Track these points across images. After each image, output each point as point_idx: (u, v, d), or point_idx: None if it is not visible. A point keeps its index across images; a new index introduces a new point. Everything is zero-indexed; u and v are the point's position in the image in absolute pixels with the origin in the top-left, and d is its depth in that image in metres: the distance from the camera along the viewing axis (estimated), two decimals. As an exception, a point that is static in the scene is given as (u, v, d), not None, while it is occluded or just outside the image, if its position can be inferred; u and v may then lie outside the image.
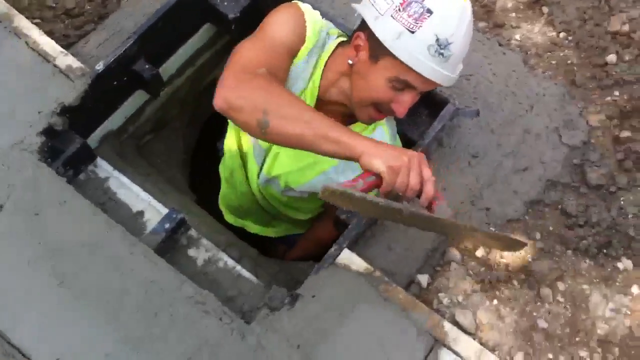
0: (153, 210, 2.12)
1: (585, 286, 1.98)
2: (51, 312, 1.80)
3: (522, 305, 1.93)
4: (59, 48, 2.16)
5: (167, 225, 2.00)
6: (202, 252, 2.08)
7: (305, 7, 1.96)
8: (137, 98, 2.37)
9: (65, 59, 2.14)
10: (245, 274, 2.06)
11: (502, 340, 1.86)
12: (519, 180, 2.13)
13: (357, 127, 2.08)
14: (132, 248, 1.89)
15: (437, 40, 1.72)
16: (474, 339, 1.84)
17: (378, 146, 1.63)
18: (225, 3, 2.32)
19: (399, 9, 1.72)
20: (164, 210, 2.11)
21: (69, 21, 2.33)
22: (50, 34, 2.24)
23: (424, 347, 1.80)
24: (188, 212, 2.24)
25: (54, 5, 2.35)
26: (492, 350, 1.85)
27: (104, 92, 2.16)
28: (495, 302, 1.92)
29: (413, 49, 1.73)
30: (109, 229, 1.91)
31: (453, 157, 2.14)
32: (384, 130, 2.10)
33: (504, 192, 2.11)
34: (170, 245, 2.01)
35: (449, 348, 1.80)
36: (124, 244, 1.89)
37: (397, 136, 2.16)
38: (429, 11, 1.71)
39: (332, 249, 1.91)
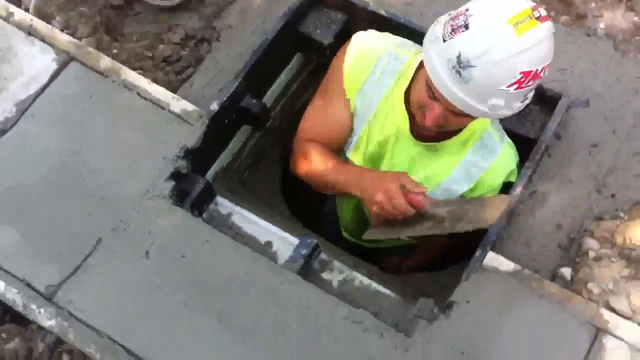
0: (280, 240, 2.14)
1: None
2: (219, 350, 1.82)
3: (672, 284, 1.93)
4: (170, 94, 2.22)
5: (303, 252, 2.02)
6: (335, 274, 2.10)
7: (358, 42, 2.07)
8: (242, 134, 2.43)
9: (179, 104, 2.19)
10: (382, 289, 2.08)
11: (662, 321, 1.86)
12: (638, 163, 2.14)
13: (456, 139, 2.06)
14: (280, 277, 1.92)
15: (459, 56, 1.65)
16: (634, 323, 1.85)
17: (363, 192, 2.03)
18: (318, 31, 2.38)
19: (451, 17, 1.71)
20: (291, 239, 2.14)
21: (169, 68, 2.37)
22: (154, 81, 2.28)
23: (587, 336, 1.81)
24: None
25: (151, 55, 2.39)
26: (655, 332, 1.85)
27: (218, 131, 2.21)
28: (645, 284, 1.93)
29: (436, 56, 1.71)
30: (254, 261, 1.94)
31: (573, 148, 2.15)
32: (491, 133, 2.08)
33: (625, 176, 2.12)
34: (306, 270, 2.03)
35: (613, 335, 1.81)
36: (272, 274, 1.92)
37: (505, 134, 2.12)
38: (466, 27, 1.65)
39: (477, 253, 1.92)
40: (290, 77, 2.55)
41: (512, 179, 2.09)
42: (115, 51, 2.39)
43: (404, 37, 2.23)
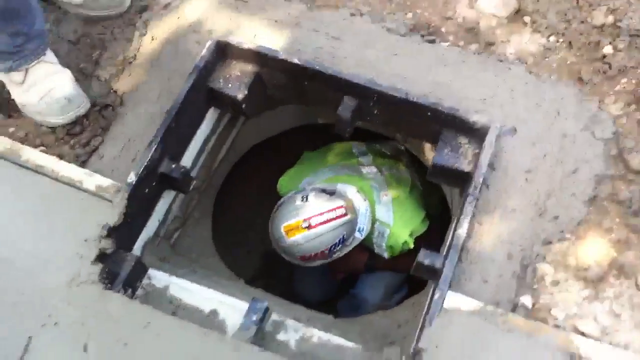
0: (225, 306, 2.03)
1: (676, 264, 1.99)
2: None
3: (629, 299, 1.91)
4: (81, 170, 2.04)
5: (254, 317, 1.90)
6: (291, 333, 2.00)
7: None
8: (166, 199, 2.26)
9: (93, 180, 2.01)
10: (342, 342, 1.99)
11: (631, 337, 1.83)
12: (572, 183, 2.14)
13: None
14: (235, 352, 1.75)
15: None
16: (606, 343, 1.82)
17: None
18: (230, 85, 2.24)
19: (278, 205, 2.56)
20: (237, 303, 2.03)
21: (74, 141, 2.18)
22: (60, 158, 2.09)
23: (563, 366, 1.75)
24: (249, 295, 2.15)
25: (53, 128, 2.20)
26: (625, 349, 1.81)
27: (139, 202, 2.03)
28: (607, 303, 1.90)
29: None
30: (203, 338, 1.78)
31: (508, 177, 2.12)
32: (380, 223, 2.67)
33: (563, 197, 2.10)
34: (259, 336, 1.89)
35: (588, 360, 1.76)
36: (226, 350, 1.76)
37: (393, 219, 2.69)
38: (273, 220, 2.49)
39: (436, 296, 1.83)
40: (207, 133, 2.40)
41: (407, 246, 2.66)
42: (11, 129, 2.18)
43: (319, 84, 2.17)
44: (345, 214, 2.46)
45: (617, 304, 1.91)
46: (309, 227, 2.39)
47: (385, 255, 2.72)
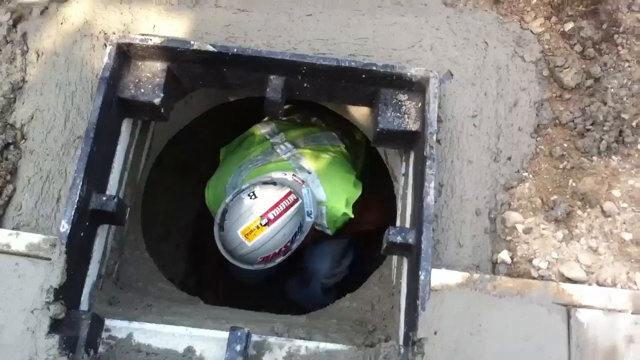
0: (199, 340, 1.89)
1: (631, 182, 1.98)
2: None
3: (601, 229, 1.91)
4: (5, 231, 1.79)
5: (237, 348, 1.77)
6: (276, 351, 1.89)
7: None
8: (101, 235, 2.03)
9: (21, 240, 1.78)
10: (330, 346, 1.90)
11: (615, 271, 1.84)
12: (516, 116, 2.08)
13: None
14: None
15: (224, 244, 2.28)
16: (593, 284, 1.81)
17: None
18: (142, 90, 2.00)
19: (221, 211, 2.33)
20: (209, 334, 1.89)
21: (-19, 195, 1.92)
22: (-28, 220, 1.85)
23: (560, 317, 1.74)
24: (217, 319, 2.02)
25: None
26: (614, 284, 1.82)
27: (77, 250, 1.82)
28: (582, 240, 1.89)
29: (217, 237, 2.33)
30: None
31: (457, 127, 2.04)
32: (319, 205, 2.54)
33: (511, 134, 2.05)
34: (245, 365, 1.78)
35: (582, 306, 1.75)
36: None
37: (326, 199, 2.55)
38: (222, 227, 2.28)
39: (422, 277, 1.76)
40: (126, 148, 2.15)
41: (347, 217, 2.58)
42: None
43: (240, 68, 1.99)
44: (297, 199, 2.35)
45: (592, 239, 1.90)
46: (268, 223, 2.24)
47: (329, 232, 2.65)
